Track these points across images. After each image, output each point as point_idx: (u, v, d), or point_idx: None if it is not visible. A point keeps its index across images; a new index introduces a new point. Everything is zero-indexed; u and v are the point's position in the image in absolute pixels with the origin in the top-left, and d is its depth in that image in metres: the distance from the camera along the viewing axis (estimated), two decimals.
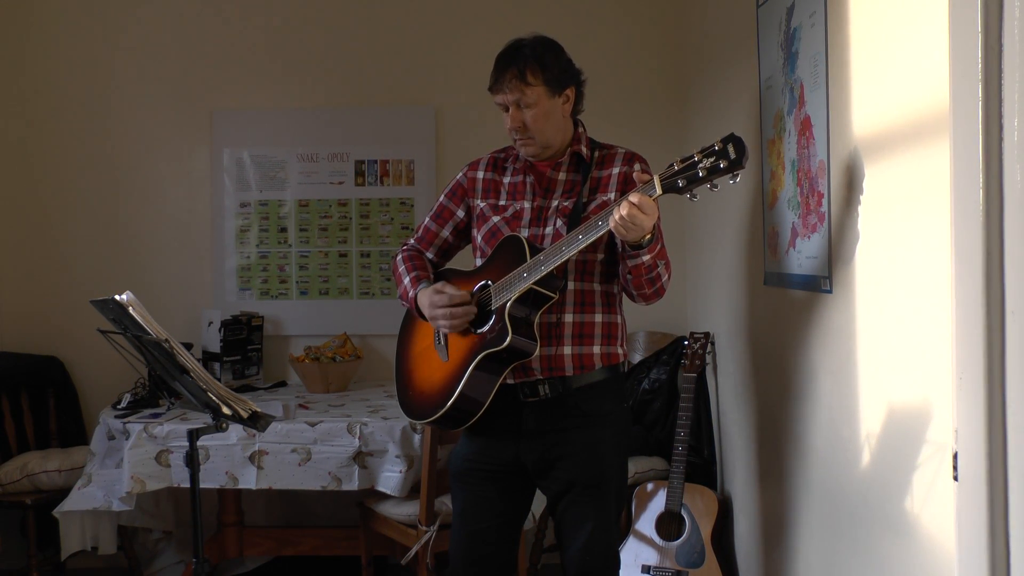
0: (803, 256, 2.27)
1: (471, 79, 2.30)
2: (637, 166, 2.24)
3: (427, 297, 2.24)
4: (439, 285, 2.24)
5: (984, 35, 1.30)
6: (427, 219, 2.45)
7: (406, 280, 2.35)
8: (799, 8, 2.23)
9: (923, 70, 1.61)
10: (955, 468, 1.41)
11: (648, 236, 2.02)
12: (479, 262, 2.31)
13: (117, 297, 2.05)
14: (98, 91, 3.94)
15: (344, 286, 3.96)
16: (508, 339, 2.07)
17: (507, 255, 2.17)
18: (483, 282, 2.21)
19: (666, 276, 2.17)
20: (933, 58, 1.55)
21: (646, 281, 2.13)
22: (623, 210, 1.93)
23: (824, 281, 2.13)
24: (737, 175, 1.85)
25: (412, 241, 2.47)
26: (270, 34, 3.94)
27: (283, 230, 3.96)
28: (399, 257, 2.43)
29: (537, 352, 2.13)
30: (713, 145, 1.86)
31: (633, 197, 1.94)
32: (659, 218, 2.04)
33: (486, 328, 2.15)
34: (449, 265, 2.47)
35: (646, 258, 2.07)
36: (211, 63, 3.94)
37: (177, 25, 3.94)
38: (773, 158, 2.50)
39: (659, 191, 1.92)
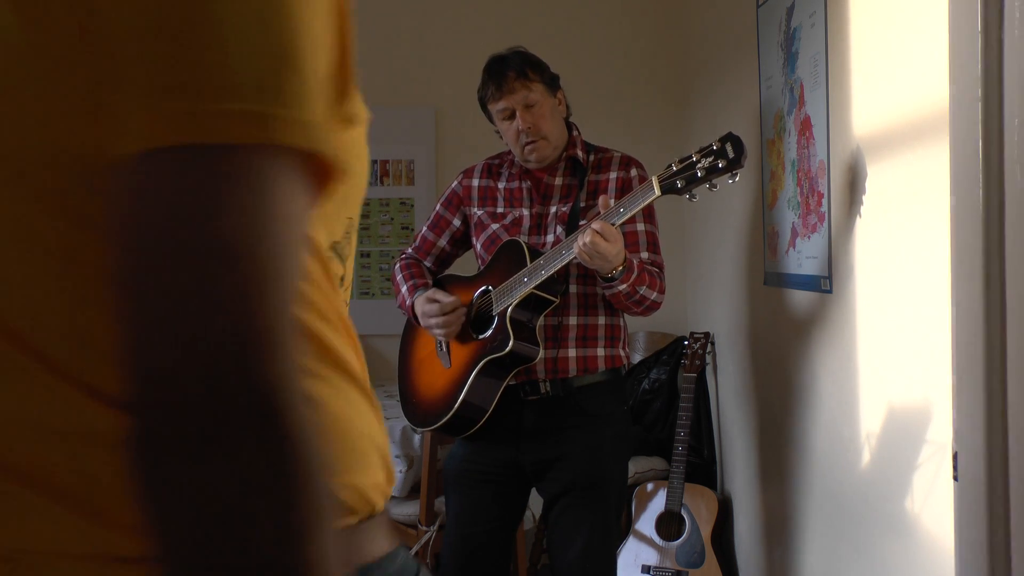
0: (803, 256, 2.27)
1: (471, 79, 2.29)
2: (634, 171, 2.24)
3: (420, 306, 2.24)
4: (430, 293, 2.23)
5: (984, 35, 1.30)
6: (424, 228, 2.44)
7: (404, 289, 2.34)
8: (799, 8, 2.23)
9: (923, 70, 1.61)
10: (955, 468, 1.41)
11: (619, 268, 2.00)
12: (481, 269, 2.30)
13: None
14: None
15: None
16: (510, 345, 2.06)
17: (507, 260, 2.16)
18: (483, 287, 2.21)
19: (654, 294, 2.12)
20: (933, 58, 1.55)
21: (630, 304, 2.12)
22: (585, 237, 1.92)
23: (824, 281, 2.13)
24: (736, 175, 1.84)
25: (410, 250, 2.46)
26: None
27: None
28: (397, 266, 2.43)
29: (541, 355, 2.13)
30: (711, 145, 1.85)
31: (595, 224, 1.93)
32: (627, 254, 2.01)
33: (488, 334, 2.14)
34: (451, 270, 2.47)
35: (622, 288, 2.04)
36: None
37: None
38: (773, 158, 2.50)
39: (657, 192, 1.91)
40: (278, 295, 0.50)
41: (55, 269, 0.55)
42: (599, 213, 1.99)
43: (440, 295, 2.21)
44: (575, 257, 2.00)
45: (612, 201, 2.11)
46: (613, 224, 1.93)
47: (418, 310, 2.25)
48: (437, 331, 2.20)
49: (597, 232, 1.92)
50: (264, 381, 0.49)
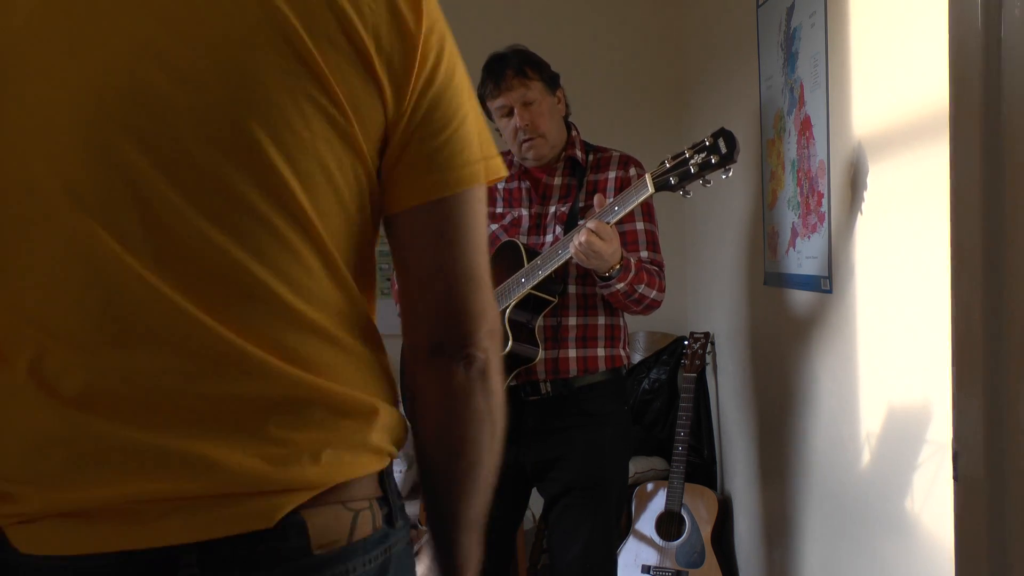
0: (803, 256, 2.27)
1: (471, 78, 2.29)
2: (632, 170, 2.24)
3: None
4: None
5: (984, 35, 1.30)
6: None
7: None
8: (799, 8, 2.23)
9: (923, 70, 1.61)
10: (955, 468, 1.41)
11: (617, 267, 2.00)
12: None
13: None
14: None
15: None
16: (509, 346, 2.07)
17: (504, 261, 2.17)
18: None
19: (653, 292, 2.13)
20: (933, 58, 1.55)
21: (629, 303, 2.12)
22: (581, 236, 1.93)
23: (824, 281, 2.13)
24: (729, 170, 1.84)
25: None
26: None
27: None
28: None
29: (541, 356, 2.13)
30: (704, 140, 1.85)
31: (590, 223, 1.93)
32: (624, 253, 2.02)
33: None
34: None
35: (620, 286, 2.04)
36: None
37: None
38: (773, 158, 2.50)
39: (651, 189, 1.91)
40: None
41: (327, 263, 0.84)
42: (596, 212, 1.99)
43: None
44: (572, 256, 2.00)
45: (610, 198, 2.11)
46: (608, 223, 1.94)
47: None
48: None
49: (592, 231, 1.92)
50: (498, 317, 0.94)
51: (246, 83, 0.75)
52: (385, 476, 0.87)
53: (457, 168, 0.85)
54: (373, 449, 0.85)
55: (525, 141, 2.20)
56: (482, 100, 2.27)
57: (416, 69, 0.83)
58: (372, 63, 0.80)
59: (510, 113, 2.20)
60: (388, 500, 0.87)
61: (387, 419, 0.87)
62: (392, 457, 0.89)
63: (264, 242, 0.78)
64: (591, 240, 1.92)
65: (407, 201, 0.86)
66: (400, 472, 2.96)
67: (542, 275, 2.05)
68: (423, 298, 0.90)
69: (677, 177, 1.88)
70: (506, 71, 2.19)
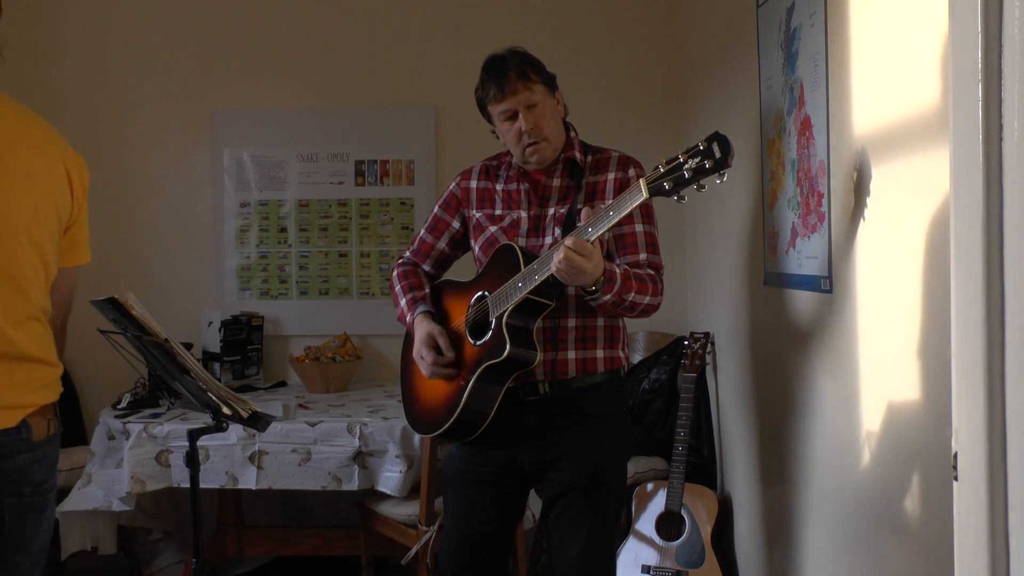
0: (803, 256, 2.27)
1: (471, 79, 2.28)
2: (632, 171, 2.22)
3: (422, 338, 2.22)
4: (436, 332, 2.20)
5: (984, 35, 1.30)
6: (422, 231, 2.43)
7: (402, 302, 2.33)
8: (799, 8, 2.23)
9: (923, 70, 1.61)
10: (955, 468, 1.41)
11: (601, 279, 1.98)
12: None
13: (117, 297, 2.05)
14: (98, 92, 3.94)
15: (344, 286, 3.96)
16: (507, 351, 2.05)
17: (502, 265, 2.15)
18: (480, 293, 2.20)
19: (646, 298, 2.10)
20: (933, 58, 1.55)
21: (621, 311, 2.10)
22: (560, 254, 1.91)
23: (824, 281, 2.13)
24: (724, 174, 1.81)
25: (408, 253, 2.45)
26: (270, 34, 3.94)
27: (283, 230, 3.96)
28: (395, 273, 2.41)
29: (540, 358, 2.12)
30: (698, 145, 1.82)
31: (568, 241, 1.92)
32: (607, 265, 2.01)
33: (486, 340, 2.13)
34: (449, 273, 2.46)
35: (606, 298, 2.02)
36: (211, 63, 3.94)
37: (177, 25, 3.94)
38: (773, 158, 2.50)
39: (645, 195, 1.87)
40: None
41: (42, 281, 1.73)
42: (578, 228, 1.98)
43: (443, 342, 2.19)
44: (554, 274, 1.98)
45: (608, 201, 2.09)
46: (588, 240, 1.92)
47: (417, 339, 2.24)
48: (423, 369, 2.21)
49: (570, 248, 1.90)
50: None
51: (23, 186, 1.63)
52: (56, 403, 1.73)
53: (82, 252, 1.82)
54: (56, 387, 1.73)
55: (529, 145, 2.19)
56: (482, 104, 2.25)
57: (83, 196, 1.76)
58: (71, 182, 1.73)
59: (513, 117, 2.18)
60: (57, 414, 1.73)
61: (60, 372, 1.74)
62: (59, 391, 1.74)
63: (29, 271, 1.64)
64: (570, 257, 1.90)
65: (62, 264, 1.75)
66: (400, 472, 2.96)
67: (539, 280, 2.03)
68: (57, 306, 1.77)
69: (672, 183, 1.83)
70: (508, 74, 2.16)
